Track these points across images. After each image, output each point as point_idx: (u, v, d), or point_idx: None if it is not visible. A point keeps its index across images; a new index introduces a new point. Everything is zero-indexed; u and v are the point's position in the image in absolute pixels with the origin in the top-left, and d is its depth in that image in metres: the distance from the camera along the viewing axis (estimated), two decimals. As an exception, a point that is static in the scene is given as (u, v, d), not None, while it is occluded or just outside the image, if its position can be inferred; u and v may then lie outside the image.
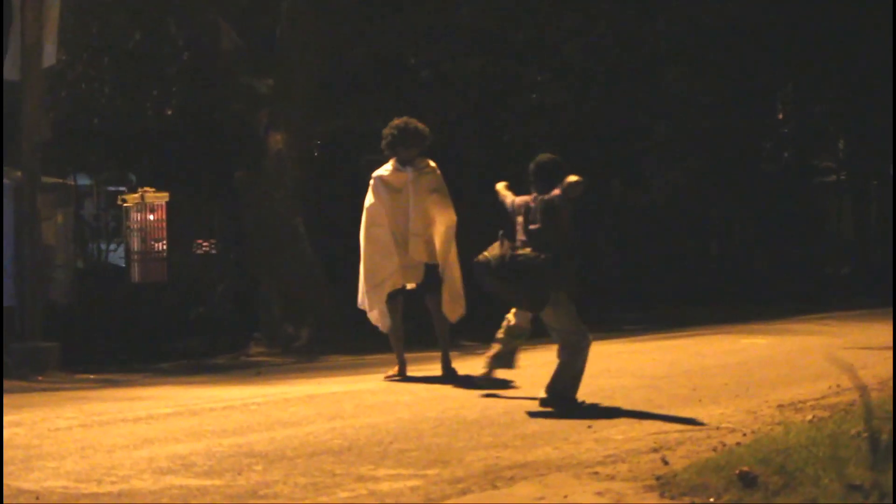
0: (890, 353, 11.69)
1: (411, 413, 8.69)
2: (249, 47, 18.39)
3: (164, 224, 19.32)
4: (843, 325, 16.96)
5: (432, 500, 5.86)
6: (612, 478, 6.28)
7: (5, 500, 5.76)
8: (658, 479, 6.13)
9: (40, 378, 12.48)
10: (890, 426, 5.81)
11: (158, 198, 19.22)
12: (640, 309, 21.72)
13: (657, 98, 24.11)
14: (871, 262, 29.28)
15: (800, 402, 9.09)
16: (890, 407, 7.06)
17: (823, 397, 9.31)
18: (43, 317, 13.63)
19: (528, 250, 8.69)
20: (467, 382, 10.10)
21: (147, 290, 19.20)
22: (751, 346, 14.18)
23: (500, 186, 9.40)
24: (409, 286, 10.71)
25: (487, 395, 9.43)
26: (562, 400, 8.80)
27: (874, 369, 10.63)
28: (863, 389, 5.90)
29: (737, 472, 5.82)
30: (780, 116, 30.77)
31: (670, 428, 7.93)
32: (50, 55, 13.75)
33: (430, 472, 6.47)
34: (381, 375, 10.91)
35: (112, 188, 21.86)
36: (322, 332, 16.18)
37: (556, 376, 8.88)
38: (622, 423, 8.12)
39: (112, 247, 21.40)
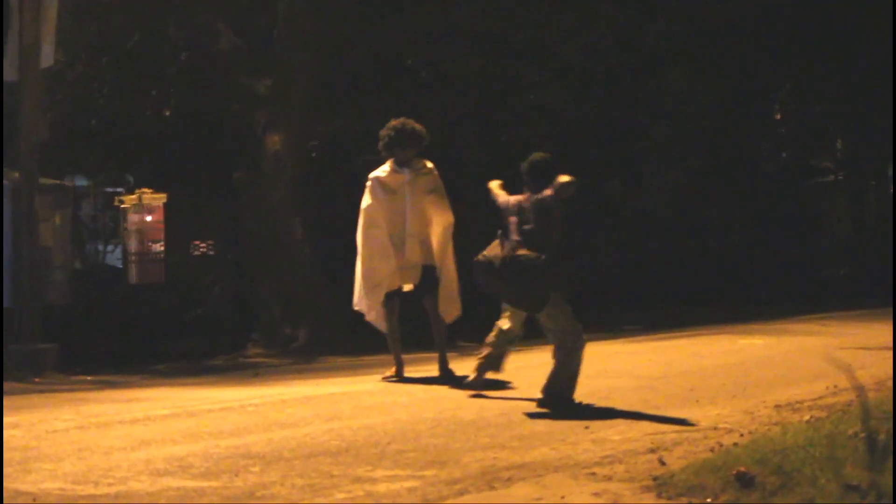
0: (887, 354, 11.70)
1: (409, 414, 8.69)
2: (248, 48, 18.39)
3: (162, 225, 19.34)
4: (840, 326, 16.96)
5: (429, 501, 5.86)
6: (609, 478, 6.28)
7: (3, 502, 5.75)
8: (655, 479, 6.13)
9: (38, 379, 12.48)
10: (887, 426, 5.80)
11: (156, 199, 19.23)
12: (639, 309, 21.72)
13: (656, 98, 24.12)
14: (869, 263, 29.28)
15: (797, 402, 9.10)
16: (887, 407, 7.07)
17: (821, 397, 9.31)
18: (40, 318, 13.62)
19: (526, 250, 8.68)
20: (464, 383, 10.10)
21: (145, 291, 19.22)
22: (748, 347, 14.18)
23: (494, 185, 9.39)
24: (406, 288, 10.71)
25: (484, 397, 9.43)
26: (559, 400, 8.80)
27: (871, 370, 10.64)
28: (860, 390, 5.89)
29: (734, 472, 5.82)
30: (778, 117, 30.77)
31: (667, 428, 7.93)
32: (48, 56, 13.75)
33: (427, 473, 6.46)
34: (379, 376, 10.91)
35: (110, 189, 21.85)
36: (320, 333, 16.19)
37: (552, 377, 8.89)
38: (619, 424, 8.12)
39: (110, 248, 21.40)
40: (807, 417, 8.17)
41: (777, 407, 8.87)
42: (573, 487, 6.07)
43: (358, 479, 6.30)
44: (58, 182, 16.76)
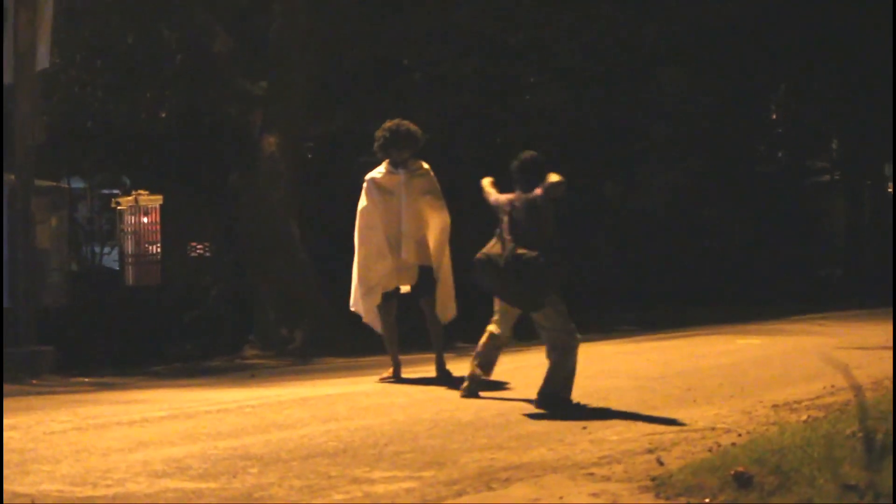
0: (884, 353, 11.73)
1: (406, 415, 8.68)
2: (243, 50, 18.39)
3: (158, 227, 19.36)
4: (837, 326, 16.99)
5: (427, 501, 5.85)
6: (607, 479, 6.28)
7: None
8: (653, 479, 6.13)
9: (35, 381, 12.46)
10: (885, 426, 5.81)
11: (152, 201, 19.25)
12: (637, 309, 21.75)
13: (655, 99, 24.15)
14: (865, 263, 29.32)
15: (795, 402, 9.10)
16: (884, 407, 7.08)
17: (818, 397, 9.32)
18: (37, 320, 13.61)
19: (525, 250, 8.69)
20: (462, 384, 10.09)
21: (141, 292, 19.23)
22: (746, 347, 14.20)
23: (486, 183, 9.40)
24: (404, 289, 10.71)
25: (482, 398, 9.42)
26: (556, 401, 8.80)
27: (868, 369, 10.65)
28: (857, 389, 5.90)
29: (732, 472, 5.82)
30: (774, 117, 30.82)
31: (665, 429, 7.94)
32: (43, 58, 13.72)
33: (425, 473, 6.46)
34: (376, 377, 10.90)
35: (106, 191, 21.86)
36: (317, 334, 16.18)
37: (548, 378, 8.89)
38: (617, 424, 8.12)
39: (106, 250, 21.40)
40: (804, 417, 8.17)
41: (775, 407, 8.87)
42: (571, 488, 6.07)
43: (356, 480, 6.29)
44: (54, 184, 16.74)
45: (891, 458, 5.19)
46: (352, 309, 10.95)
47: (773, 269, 27.15)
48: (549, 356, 8.94)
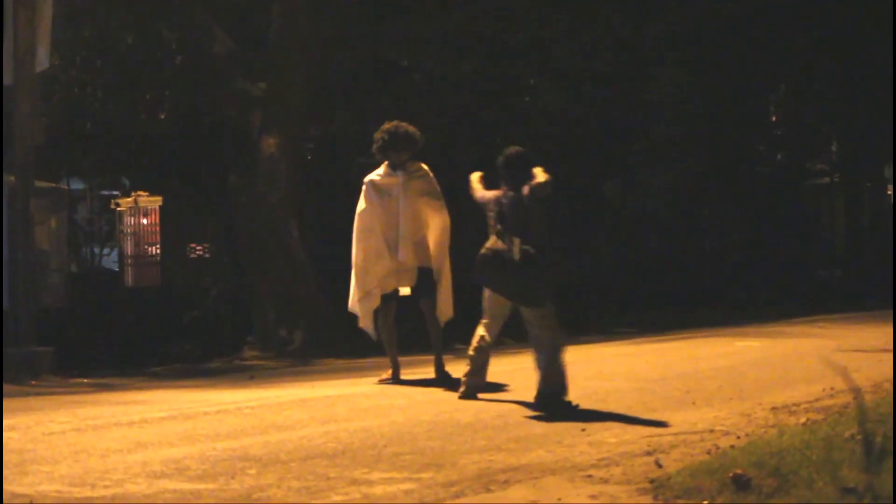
0: (883, 356, 11.73)
1: (405, 416, 8.68)
2: (243, 50, 18.38)
3: (158, 228, 19.36)
4: (836, 328, 16.99)
5: (426, 503, 5.86)
6: (605, 481, 6.28)
7: (0, 504, 5.76)
8: (652, 481, 6.13)
9: (34, 382, 12.46)
10: (884, 428, 5.81)
11: (152, 202, 19.24)
12: (637, 310, 21.74)
13: (654, 99, 24.14)
14: (865, 265, 29.32)
15: (793, 404, 9.10)
16: (883, 409, 7.08)
17: (817, 400, 9.32)
18: (37, 321, 13.61)
19: (528, 246, 8.70)
20: (460, 386, 10.09)
21: (141, 294, 19.23)
22: (745, 349, 14.20)
23: (474, 178, 9.42)
24: (404, 292, 10.70)
25: (481, 399, 9.42)
26: (554, 401, 8.80)
27: (868, 372, 10.64)
28: (856, 392, 5.89)
29: (730, 474, 5.82)
30: (774, 118, 30.82)
31: (664, 431, 7.93)
32: (43, 59, 13.72)
33: (424, 475, 6.46)
34: (375, 379, 10.91)
35: (106, 192, 21.87)
36: (316, 336, 16.17)
37: (544, 379, 8.89)
38: (616, 426, 8.12)
39: (106, 251, 21.40)
40: (803, 420, 8.17)
41: (773, 409, 8.87)
42: (570, 490, 6.07)
43: (354, 482, 6.29)
44: (53, 185, 16.75)
45: (890, 460, 5.18)
46: (350, 310, 10.95)
47: (772, 270, 27.15)
48: (536, 359, 8.95)
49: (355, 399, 9.82)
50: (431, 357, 10.85)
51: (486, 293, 9.23)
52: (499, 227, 8.91)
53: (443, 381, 10.54)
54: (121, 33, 18.89)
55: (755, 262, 27.36)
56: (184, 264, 19.92)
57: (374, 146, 10.72)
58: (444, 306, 10.73)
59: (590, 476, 6.41)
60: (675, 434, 7.80)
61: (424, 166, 10.80)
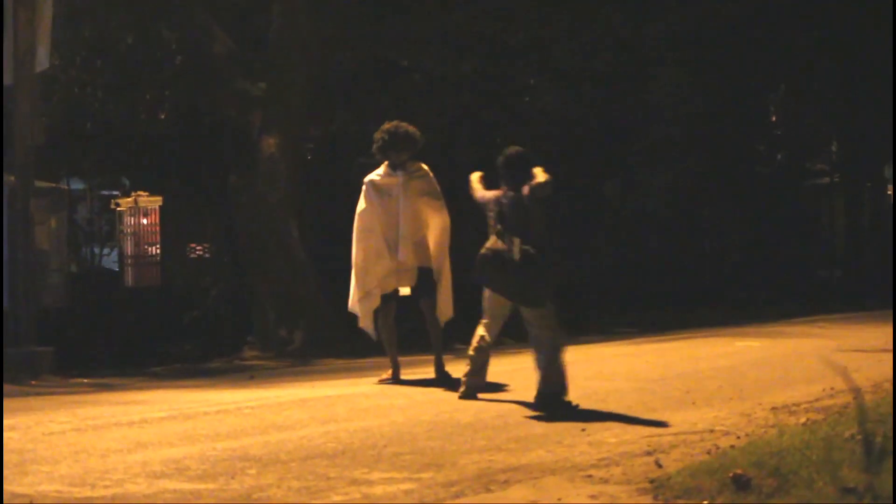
0: (883, 356, 11.73)
1: (405, 416, 8.68)
2: (243, 50, 18.38)
3: (158, 228, 19.35)
4: (836, 328, 16.99)
5: (426, 503, 5.86)
6: (605, 481, 6.28)
7: None
8: (652, 481, 6.13)
9: (34, 382, 12.46)
10: (884, 429, 5.80)
11: (152, 202, 19.23)
12: (637, 310, 21.74)
13: (654, 99, 24.14)
14: (865, 265, 29.32)
15: (794, 404, 9.10)
16: (883, 409, 7.07)
17: (817, 400, 9.32)
18: (37, 321, 13.61)
19: (528, 246, 8.70)
20: (460, 386, 10.09)
21: (141, 294, 19.22)
22: (745, 349, 14.20)
23: (474, 178, 9.42)
24: (404, 292, 10.70)
25: (481, 399, 9.42)
26: (554, 401, 8.80)
27: (868, 372, 10.64)
28: (856, 392, 5.89)
29: (730, 474, 5.82)
30: (774, 118, 30.81)
31: (664, 431, 7.93)
32: (43, 59, 13.72)
33: (423, 475, 6.46)
34: (375, 379, 10.91)
35: (106, 192, 21.86)
36: (316, 336, 16.17)
37: (544, 379, 8.89)
38: (616, 426, 8.12)
39: (106, 251, 21.40)
40: (803, 420, 8.17)
41: (773, 409, 8.87)
42: (570, 490, 6.07)
43: (354, 482, 6.30)
44: (53, 185, 16.75)
45: (890, 460, 5.18)
46: (350, 310, 10.95)
47: (772, 270, 27.16)
48: (536, 359, 8.95)
49: (355, 399, 9.82)
50: (431, 357, 10.85)
51: (486, 293, 9.23)
52: (499, 227, 8.91)
53: (443, 381, 10.54)
54: (121, 33, 18.89)
55: (755, 262, 27.36)
56: (184, 264, 19.92)
57: (374, 146, 10.72)
58: (444, 306, 10.73)
59: (590, 476, 6.41)
60: (675, 434, 7.79)
61: (424, 166, 10.80)
